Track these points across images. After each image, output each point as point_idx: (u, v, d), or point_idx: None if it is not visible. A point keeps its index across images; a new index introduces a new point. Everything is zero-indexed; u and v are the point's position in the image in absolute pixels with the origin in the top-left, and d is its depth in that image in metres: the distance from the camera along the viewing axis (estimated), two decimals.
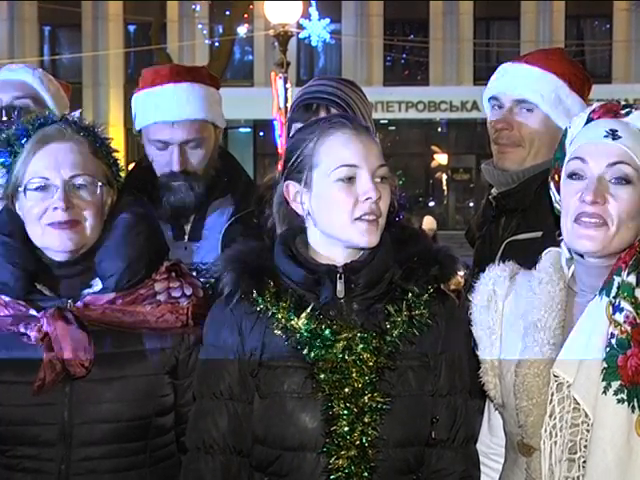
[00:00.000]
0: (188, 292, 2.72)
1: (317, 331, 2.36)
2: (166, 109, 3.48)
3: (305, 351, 2.37)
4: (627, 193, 2.28)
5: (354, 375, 2.34)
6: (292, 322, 2.39)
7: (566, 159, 2.39)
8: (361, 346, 2.36)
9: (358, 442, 2.32)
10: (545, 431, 2.30)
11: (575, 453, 2.26)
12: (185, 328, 2.69)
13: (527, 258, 2.65)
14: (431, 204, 32.38)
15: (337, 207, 2.39)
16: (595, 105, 2.43)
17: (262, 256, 2.50)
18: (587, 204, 2.28)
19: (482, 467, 2.59)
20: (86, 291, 2.66)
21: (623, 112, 2.37)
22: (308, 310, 2.39)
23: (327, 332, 2.36)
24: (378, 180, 2.41)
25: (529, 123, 3.24)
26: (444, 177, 32.62)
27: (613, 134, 2.30)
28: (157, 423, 2.69)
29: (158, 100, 3.52)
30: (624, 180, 2.29)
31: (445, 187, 32.78)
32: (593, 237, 2.29)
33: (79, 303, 2.62)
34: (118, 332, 2.64)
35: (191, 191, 3.46)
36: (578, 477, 2.26)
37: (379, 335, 2.38)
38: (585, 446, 2.24)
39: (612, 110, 2.39)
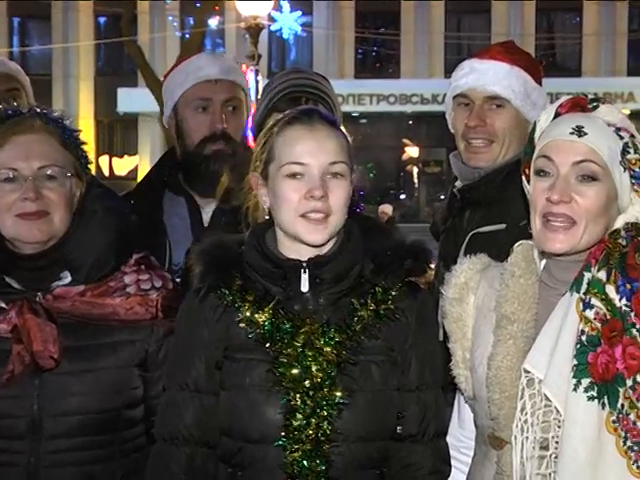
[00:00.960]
0: (158, 284, 2.72)
1: (278, 325, 2.37)
2: (209, 69, 3.57)
3: (267, 344, 2.37)
4: (593, 191, 2.29)
5: (313, 369, 2.34)
6: (256, 316, 2.39)
7: (534, 155, 2.39)
8: (322, 340, 2.36)
9: (312, 436, 2.32)
10: (517, 426, 2.29)
11: (547, 449, 2.27)
12: (155, 320, 2.69)
13: (491, 250, 2.66)
14: (402, 197, 32.51)
15: (284, 203, 2.40)
16: (563, 99, 2.43)
17: (233, 250, 2.50)
18: (553, 204, 2.29)
19: (453, 461, 2.58)
20: (55, 283, 2.65)
21: (590, 106, 2.37)
22: (272, 304, 2.39)
23: (288, 326, 2.37)
24: (329, 177, 2.40)
25: (502, 118, 3.24)
26: (415, 170, 32.73)
27: (579, 131, 2.30)
28: (127, 416, 2.69)
29: (199, 63, 3.62)
30: (590, 178, 2.29)
31: (416, 180, 32.89)
32: (561, 240, 2.30)
33: (48, 295, 2.62)
34: (87, 324, 2.63)
35: (229, 160, 3.44)
36: (550, 474, 2.26)
37: (343, 329, 2.39)
38: (557, 442, 2.24)
39: (579, 104, 2.38)
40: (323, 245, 2.43)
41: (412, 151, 32.34)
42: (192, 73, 3.58)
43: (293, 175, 2.39)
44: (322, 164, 2.38)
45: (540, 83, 3.32)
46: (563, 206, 2.28)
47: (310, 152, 2.38)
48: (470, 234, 3.16)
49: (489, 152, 3.24)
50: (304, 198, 2.37)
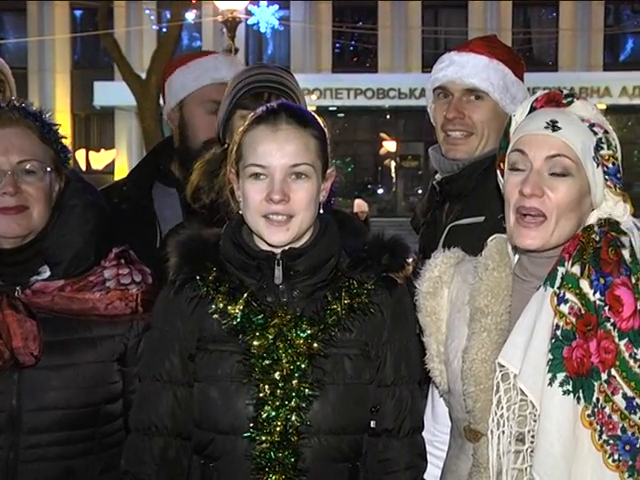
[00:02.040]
0: (137, 279, 2.72)
1: (250, 316, 2.38)
2: (225, 72, 3.61)
3: (240, 336, 2.38)
4: (566, 185, 2.30)
5: (284, 361, 2.35)
6: (229, 307, 2.40)
7: (509, 149, 2.41)
8: (294, 332, 2.37)
9: (280, 428, 2.33)
10: (492, 421, 2.31)
11: (523, 443, 2.28)
12: (134, 315, 2.69)
13: (470, 243, 2.68)
14: (380, 191, 32.52)
15: (248, 202, 2.42)
16: (538, 94, 2.44)
17: (209, 242, 2.51)
18: (526, 197, 2.30)
19: (427, 455, 2.59)
20: (34, 278, 2.65)
21: (565, 101, 2.38)
22: (245, 296, 2.40)
23: (259, 317, 2.38)
24: (293, 178, 2.40)
25: (480, 111, 3.26)
26: (393, 164, 32.75)
27: (553, 125, 2.31)
28: (106, 410, 2.69)
29: (216, 63, 3.68)
30: (563, 172, 2.30)
31: (394, 174, 32.91)
32: (533, 236, 2.31)
33: (27, 290, 2.61)
34: (67, 319, 2.63)
35: None
36: (526, 468, 2.28)
37: (315, 322, 2.39)
38: (533, 436, 2.26)
39: (554, 99, 2.39)
40: (288, 244, 2.43)
41: (389, 145, 32.36)
42: (208, 72, 3.63)
43: (256, 176, 2.40)
44: (283, 166, 2.39)
45: (521, 77, 3.33)
46: (535, 200, 2.29)
47: (271, 154, 2.39)
48: (449, 226, 3.17)
49: (467, 144, 3.26)
50: (265, 200, 2.38)
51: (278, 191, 2.37)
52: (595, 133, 2.33)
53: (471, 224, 3.08)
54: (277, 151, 2.39)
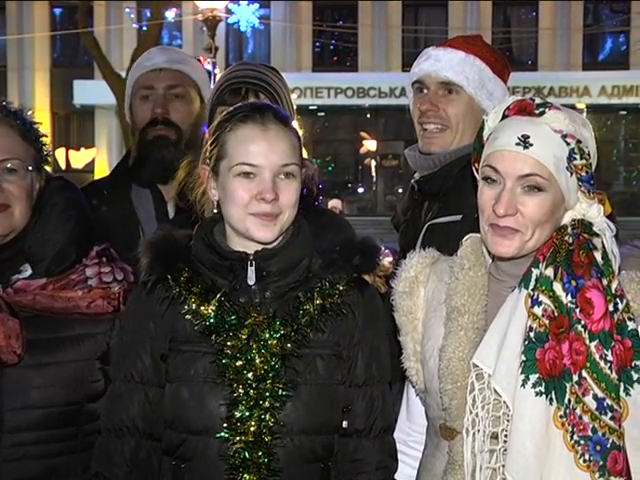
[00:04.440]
0: (119, 277, 2.73)
1: (224, 317, 2.38)
2: (155, 59, 3.66)
3: (212, 336, 2.38)
4: (539, 200, 2.30)
5: (257, 361, 2.36)
6: (202, 308, 2.40)
7: (482, 159, 2.41)
8: (267, 333, 2.37)
9: (254, 428, 2.33)
10: (467, 420, 2.32)
11: (497, 443, 2.29)
12: (116, 313, 2.69)
13: (448, 241, 2.69)
14: (360, 190, 32.54)
15: (234, 201, 2.41)
16: (510, 101, 2.42)
17: (181, 243, 2.51)
18: (499, 217, 2.31)
19: (401, 455, 2.61)
20: (15, 276, 2.65)
21: (537, 112, 2.36)
22: (218, 296, 2.40)
23: (232, 318, 2.38)
24: (282, 177, 2.41)
25: (455, 104, 3.28)
26: (373, 163, 32.77)
27: (525, 142, 2.30)
28: (88, 409, 2.69)
29: (150, 55, 3.72)
30: (535, 189, 2.31)
31: (374, 173, 32.93)
32: (507, 245, 2.32)
33: (9, 289, 2.62)
34: (49, 318, 2.64)
35: (172, 147, 3.51)
36: (499, 467, 2.29)
37: (288, 322, 2.40)
38: (506, 436, 2.27)
39: (526, 109, 2.37)
40: (270, 243, 2.44)
41: (370, 144, 32.38)
42: (142, 64, 3.68)
43: (246, 175, 2.40)
44: (274, 166, 2.39)
45: (501, 74, 3.35)
46: (508, 219, 2.30)
47: (262, 153, 2.39)
48: (427, 225, 3.18)
49: (442, 138, 3.28)
50: (255, 199, 2.39)
51: (270, 190, 2.37)
52: (568, 144, 2.32)
53: (449, 222, 3.09)
54: (269, 151, 2.39)
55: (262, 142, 2.40)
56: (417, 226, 3.27)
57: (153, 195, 3.55)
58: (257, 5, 28.71)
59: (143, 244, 2.50)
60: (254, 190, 2.38)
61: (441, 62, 3.28)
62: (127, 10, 30.06)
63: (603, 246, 2.33)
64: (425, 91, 3.32)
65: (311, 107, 29.98)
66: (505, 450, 2.27)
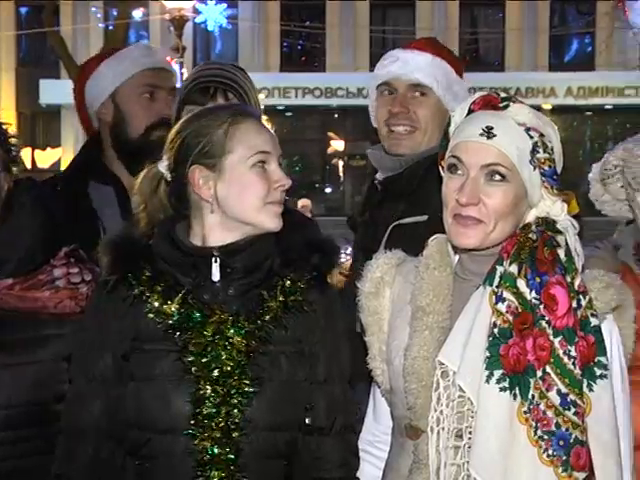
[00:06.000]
0: (87, 278, 2.72)
1: (188, 314, 2.38)
2: (152, 57, 3.66)
3: (177, 334, 2.38)
4: (501, 190, 2.32)
5: (223, 358, 2.36)
6: (165, 306, 2.39)
7: (447, 153, 2.43)
8: (232, 330, 2.38)
9: (223, 424, 2.34)
10: (432, 417, 2.33)
11: (461, 439, 2.30)
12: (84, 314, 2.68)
13: (413, 242, 2.69)
14: (328, 190, 32.57)
15: (251, 192, 2.42)
16: (476, 96, 2.45)
17: (141, 241, 2.49)
18: (462, 206, 2.33)
19: (368, 456, 2.62)
20: None
21: (501, 105, 2.39)
22: (181, 294, 2.40)
23: (197, 315, 2.38)
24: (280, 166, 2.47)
25: (424, 106, 3.31)
26: (340, 163, 32.82)
27: (488, 133, 2.32)
28: (55, 409, 2.66)
29: (140, 52, 3.69)
30: (498, 179, 2.33)
31: (341, 173, 32.99)
32: (470, 235, 2.34)
33: None
34: (16, 318, 2.63)
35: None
36: (463, 463, 2.29)
37: (252, 319, 2.41)
38: (470, 433, 2.28)
39: (491, 103, 2.40)
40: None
41: (337, 144, 32.42)
42: (139, 60, 3.61)
43: (261, 164, 2.42)
44: (278, 154, 2.47)
45: (461, 76, 3.40)
46: (471, 209, 2.32)
47: (271, 142, 2.46)
48: (392, 226, 3.19)
49: (411, 140, 3.30)
50: (273, 189, 2.43)
51: (284, 177, 2.45)
52: (531, 137, 2.34)
53: (414, 223, 3.11)
54: (273, 139, 2.47)
55: (267, 132, 2.47)
56: (378, 227, 3.28)
57: (116, 191, 3.53)
58: (225, 5, 28.66)
59: (102, 242, 2.48)
60: (270, 179, 2.43)
61: (410, 64, 3.31)
62: (93, 9, 29.92)
63: (566, 243, 2.35)
64: (394, 93, 3.35)
65: (279, 107, 29.98)
66: (470, 446, 2.27)
